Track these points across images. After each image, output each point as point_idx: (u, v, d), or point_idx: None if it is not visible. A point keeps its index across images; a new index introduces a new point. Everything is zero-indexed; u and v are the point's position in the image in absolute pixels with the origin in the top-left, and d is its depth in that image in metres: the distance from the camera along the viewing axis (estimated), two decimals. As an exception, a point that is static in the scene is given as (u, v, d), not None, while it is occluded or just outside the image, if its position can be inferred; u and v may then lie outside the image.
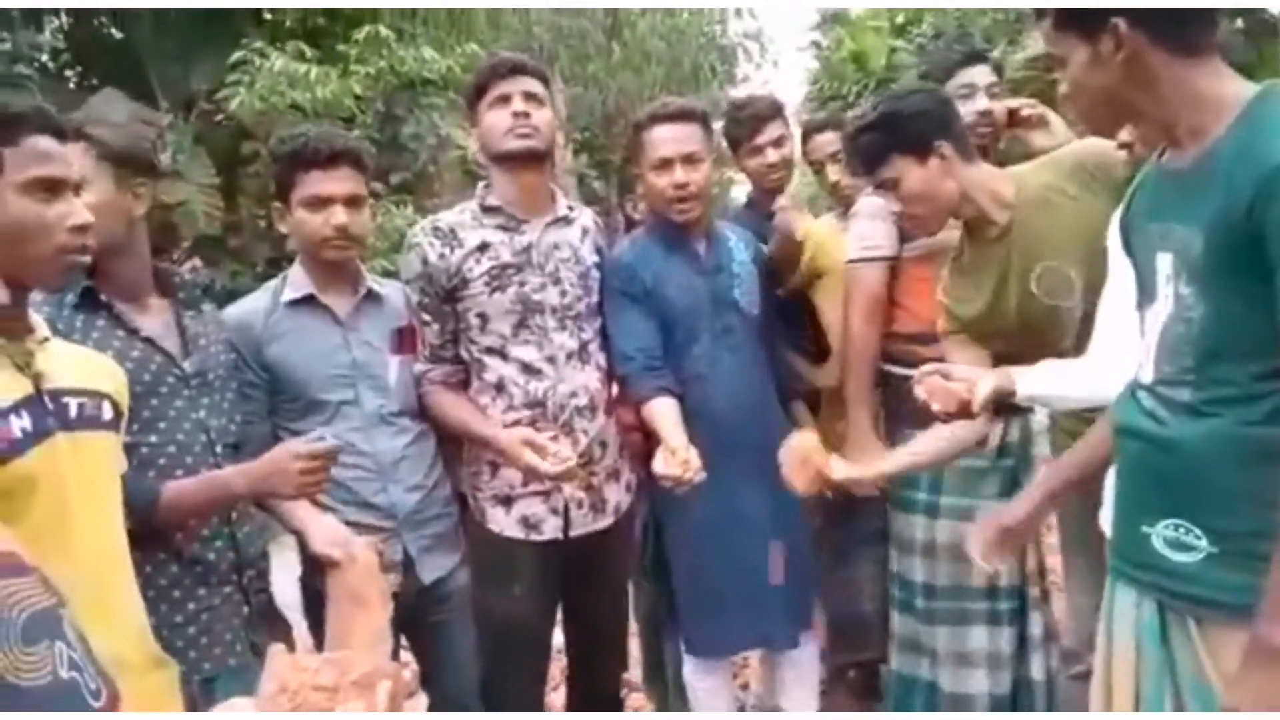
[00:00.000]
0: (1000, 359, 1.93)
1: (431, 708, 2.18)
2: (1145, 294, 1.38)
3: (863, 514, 2.33)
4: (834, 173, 2.59)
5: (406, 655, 2.12)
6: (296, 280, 1.95)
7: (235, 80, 6.47)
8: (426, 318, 2.02)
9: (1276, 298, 1.17)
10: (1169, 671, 1.34)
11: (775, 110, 2.62)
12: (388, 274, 2.73)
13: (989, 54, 2.37)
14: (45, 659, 0.81)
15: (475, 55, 7.08)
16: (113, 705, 0.87)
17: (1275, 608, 1.17)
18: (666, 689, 2.56)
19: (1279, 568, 1.17)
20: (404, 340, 2.02)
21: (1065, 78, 1.34)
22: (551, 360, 2.02)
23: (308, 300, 1.93)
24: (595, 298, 2.12)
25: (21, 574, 0.84)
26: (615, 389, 2.19)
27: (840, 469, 1.94)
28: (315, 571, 1.81)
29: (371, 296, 2.00)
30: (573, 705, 2.34)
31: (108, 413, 1.33)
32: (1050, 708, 2.21)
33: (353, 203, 1.91)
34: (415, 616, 1.99)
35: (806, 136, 2.70)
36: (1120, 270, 1.57)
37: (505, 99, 1.99)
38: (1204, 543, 1.27)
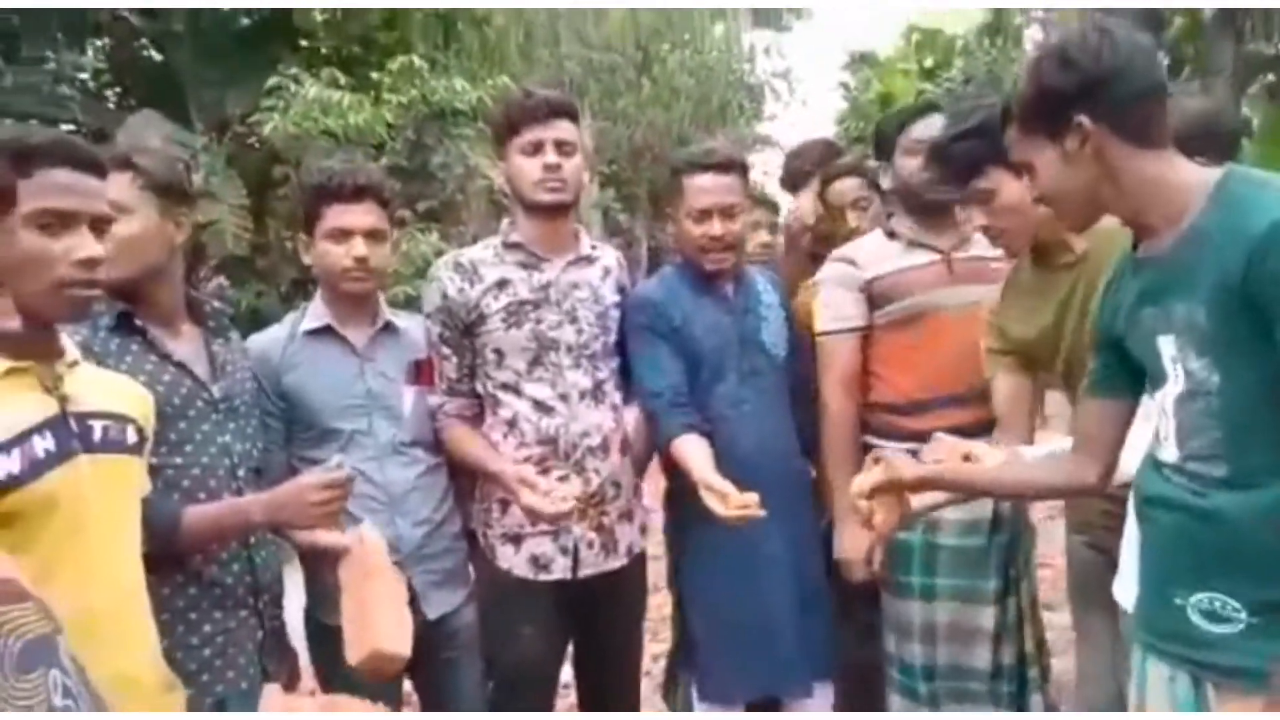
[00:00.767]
0: (1041, 389, 1.91)
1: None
2: (1154, 378, 1.38)
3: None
4: (854, 219, 2.57)
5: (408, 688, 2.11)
6: (316, 311, 1.98)
7: (270, 105, 6.59)
8: (445, 351, 2.03)
9: None
10: None
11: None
12: (410, 300, 2.75)
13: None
14: (39, 687, 0.81)
15: (506, 87, 7.17)
16: None
17: None
18: None
19: None
20: (421, 372, 2.03)
21: (1037, 183, 1.39)
22: (565, 398, 2.02)
23: (325, 331, 1.95)
24: (613, 337, 2.12)
25: (19, 600, 0.84)
26: (632, 427, 2.17)
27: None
28: (323, 597, 1.82)
29: (389, 328, 2.02)
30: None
31: (132, 436, 1.35)
32: None
33: (373, 236, 1.93)
34: (421, 653, 1.97)
35: (828, 181, 2.68)
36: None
37: (538, 147, 1.98)
38: (1243, 614, 1.26)
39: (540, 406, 2.00)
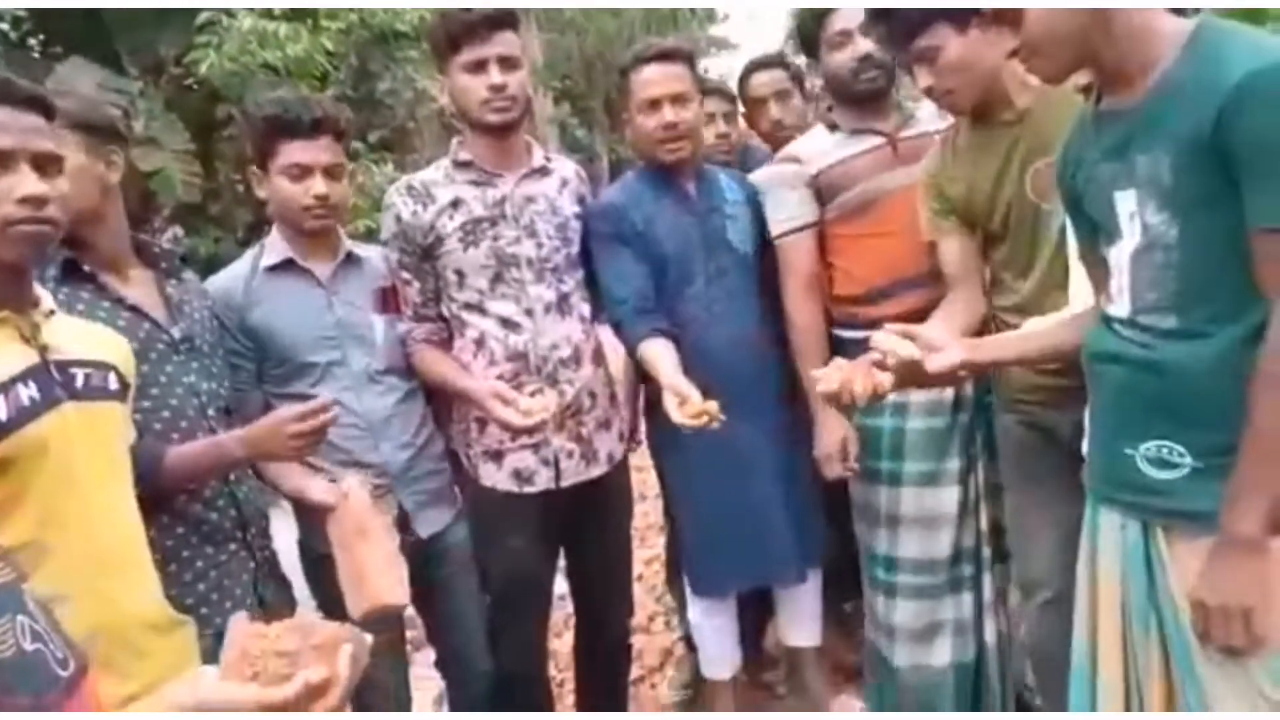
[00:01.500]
0: (986, 249, 1.93)
1: (439, 661, 2.25)
2: (1107, 233, 1.40)
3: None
4: (776, 110, 2.56)
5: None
6: (275, 245, 1.95)
7: (204, 42, 6.33)
8: (406, 276, 2.02)
9: (1246, 209, 1.21)
10: (1152, 592, 1.38)
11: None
12: (370, 233, 2.71)
13: None
14: (8, 632, 0.82)
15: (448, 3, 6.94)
16: (81, 674, 0.88)
17: (1239, 499, 1.23)
18: None
19: (1241, 468, 1.23)
20: (387, 299, 2.02)
21: (1026, 27, 1.33)
22: (530, 313, 2.02)
23: (288, 265, 1.93)
24: (575, 249, 2.11)
25: None
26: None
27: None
28: (315, 528, 1.84)
29: (351, 259, 2.00)
30: (580, 651, 2.39)
31: (114, 383, 1.34)
32: (1004, 668, 2.21)
33: (332, 172, 1.90)
34: (417, 573, 2.02)
35: (746, 76, 2.65)
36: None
37: (481, 65, 1.94)
38: (1188, 459, 1.31)
39: (506, 323, 2.01)
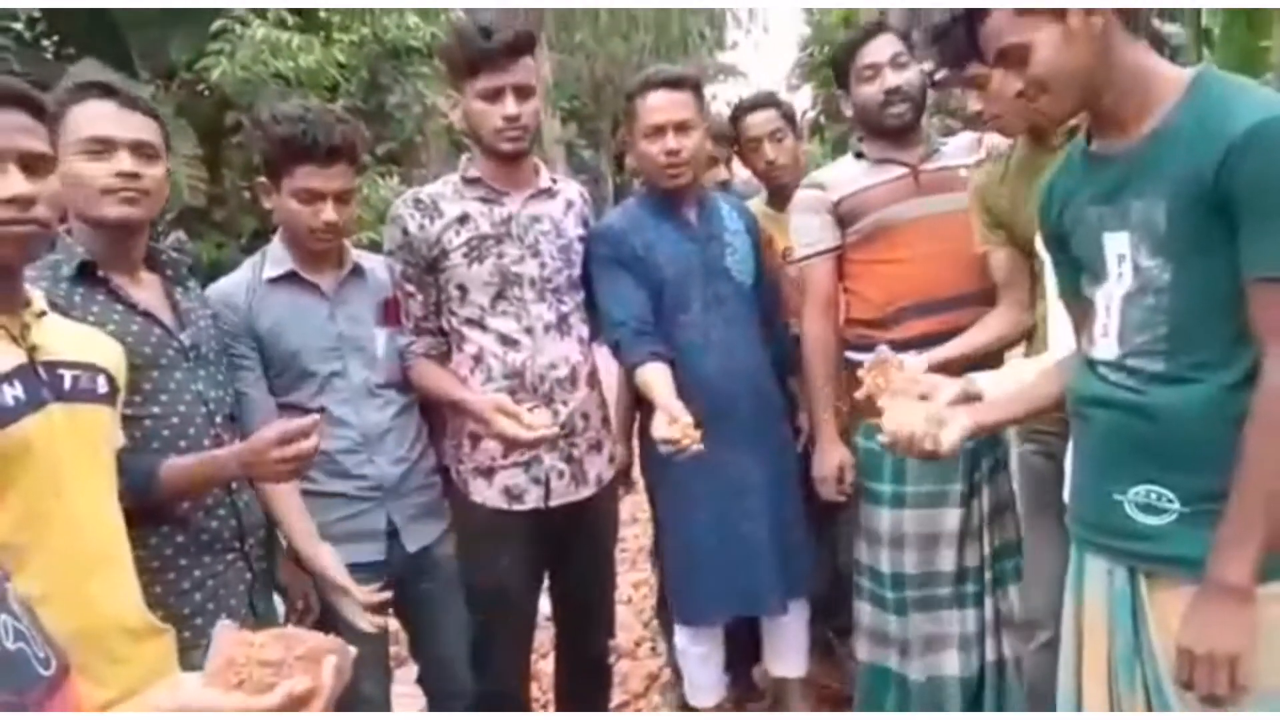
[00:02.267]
0: (1030, 263, 1.95)
1: (421, 678, 2.23)
2: (1092, 274, 1.41)
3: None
4: (770, 151, 2.61)
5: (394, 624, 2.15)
6: (278, 256, 1.95)
7: (216, 50, 6.41)
8: (410, 288, 2.03)
9: (1243, 257, 1.23)
10: (1138, 642, 1.37)
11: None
12: (374, 245, 2.72)
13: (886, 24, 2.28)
14: None
15: (459, 20, 7.00)
16: (63, 675, 0.88)
17: (1229, 546, 1.24)
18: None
19: (1231, 514, 1.24)
20: (389, 312, 2.03)
21: (1034, 64, 1.33)
22: (530, 331, 2.03)
23: (291, 276, 1.94)
24: (577, 270, 2.13)
25: None
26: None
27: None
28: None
29: (356, 271, 2.01)
30: (561, 671, 2.39)
31: (103, 386, 1.34)
32: (1004, 688, 2.22)
33: (343, 198, 1.90)
34: (403, 586, 2.01)
35: (738, 117, 2.69)
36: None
37: (498, 93, 1.95)
38: (1176, 504, 1.31)
39: (506, 340, 2.02)
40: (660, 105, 2.13)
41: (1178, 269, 1.29)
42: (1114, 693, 1.42)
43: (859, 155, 2.29)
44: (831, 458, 2.24)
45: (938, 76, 2.12)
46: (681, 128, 2.12)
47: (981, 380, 1.76)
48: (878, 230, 2.20)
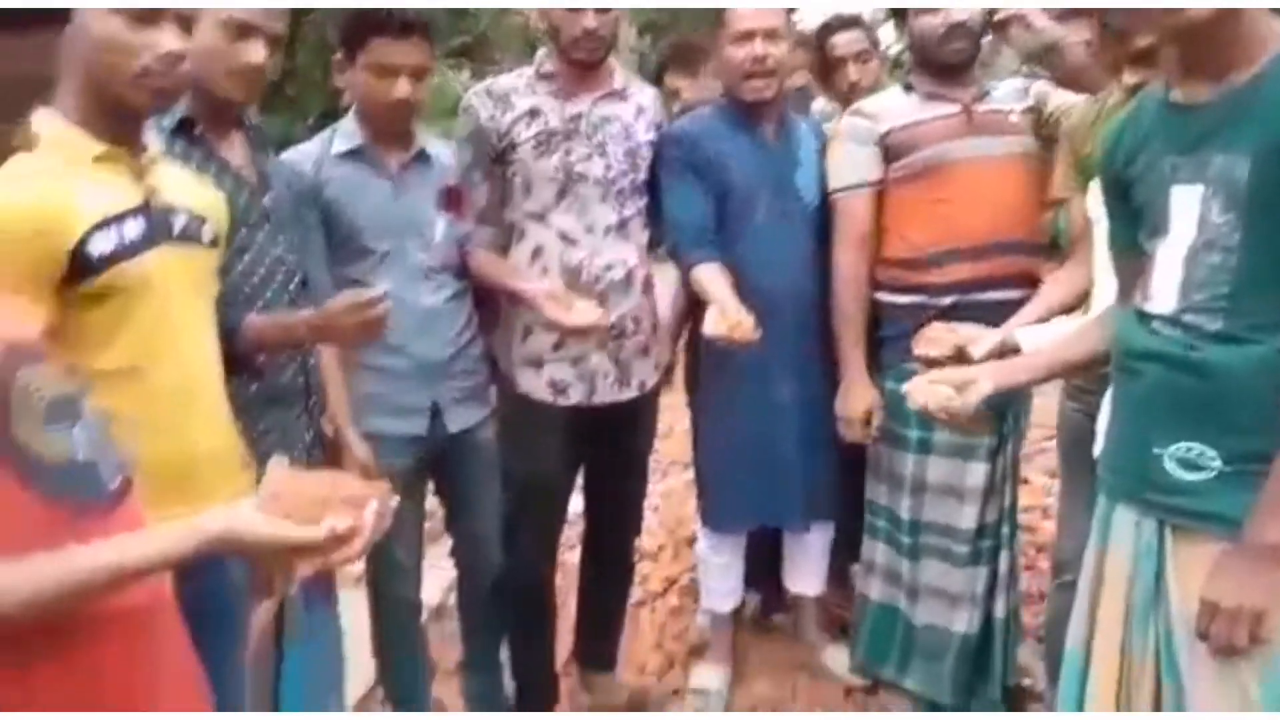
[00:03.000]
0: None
1: (454, 550, 2.34)
2: (1151, 227, 1.39)
3: None
4: (854, 72, 2.54)
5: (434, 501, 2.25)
6: (349, 131, 1.98)
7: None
8: (476, 178, 2.06)
9: None
10: (1158, 593, 1.40)
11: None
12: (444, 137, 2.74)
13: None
14: (66, 439, 0.89)
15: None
16: (127, 488, 0.95)
17: (1269, 507, 1.24)
18: None
19: (1276, 473, 1.24)
20: (451, 199, 2.06)
21: None
22: (590, 230, 2.05)
23: (358, 153, 1.97)
24: (643, 175, 2.13)
25: (40, 361, 0.90)
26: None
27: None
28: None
29: (422, 155, 2.03)
30: (587, 566, 2.47)
31: (208, 234, 1.39)
32: (1009, 644, 2.25)
33: (418, 74, 1.91)
34: (443, 464, 2.10)
35: (826, 35, 2.62)
36: (1105, 224, 1.58)
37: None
38: (1217, 462, 1.31)
39: (565, 238, 2.05)
40: (749, 11, 2.09)
41: (1249, 228, 1.26)
42: (1126, 640, 1.45)
43: (908, 88, 2.20)
44: (857, 399, 2.20)
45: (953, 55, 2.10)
46: (771, 35, 2.09)
47: (1020, 334, 1.76)
48: (928, 167, 2.13)
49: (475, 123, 2.03)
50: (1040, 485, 3.52)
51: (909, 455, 2.21)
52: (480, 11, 7.50)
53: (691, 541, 2.88)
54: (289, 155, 1.98)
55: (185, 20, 1.26)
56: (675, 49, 2.99)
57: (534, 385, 2.11)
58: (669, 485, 3.82)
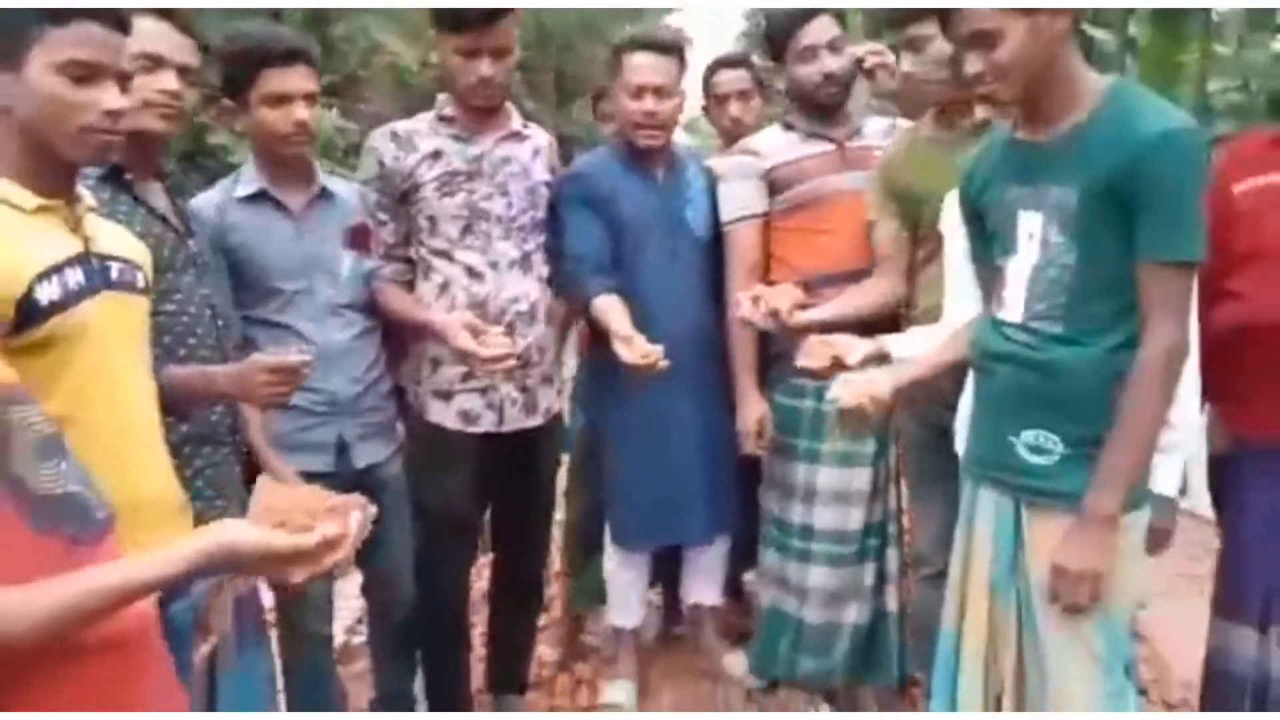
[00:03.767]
0: (916, 241, 2.16)
1: (365, 586, 2.35)
2: (1002, 247, 1.62)
3: None
4: (736, 109, 2.73)
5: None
6: (249, 176, 2.03)
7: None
8: (383, 217, 2.13)
9: (1138, 242, 1.45)
10: (1016, 564, 1.61)
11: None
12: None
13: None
14: (57, 475, 0.94)
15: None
16: (110, 523, 1.00)
17: (1104, 483, 1.47)
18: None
19: (1107, 457, 1.47)
20: (357, 237, 2.12)
21: (999, 51, 1.48)
22: (494, 266, 2.16)
23: (261, 195, 2.01)
24: (541, 213, 2.25)
25: (27, 402, 0.96)
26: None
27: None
28: None
29: (325, 194, 2.09)
30: (497, 593, 2.53)
31: (141, 281, 1.43)
32: (902, 636, 2.45)
33: (310, 99, 1.98)
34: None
35: (713, 72, 2.80)
36: (959, 240, 1.82)
37: (476, 53, 2.05)
38: (1060, 447, 1.54)
39: (471, 272, 2.14)
40: (645, 66, 2.26)
41: (1080, 248, 1.51)
42: (991, 605, 1.66)
43: (788, 126, 2.41)
44: (751, 412, 2.38)
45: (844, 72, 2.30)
46: (660, 91, 2.26)
47: (890, 341, 1.97)
48: (809, 200, 2.34)
49: (380, 165, 2.11)
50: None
51: (799, 464, 2.38)
52: (349, 51, 7.48)
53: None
54: (194, 202, 2.00)
55: (124, 77, 1.31)
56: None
57: (444, 415, 2.18)
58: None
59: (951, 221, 1.89)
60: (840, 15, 2.35)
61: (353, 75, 7.62)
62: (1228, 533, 2.05)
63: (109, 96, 1.27)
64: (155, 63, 1.63)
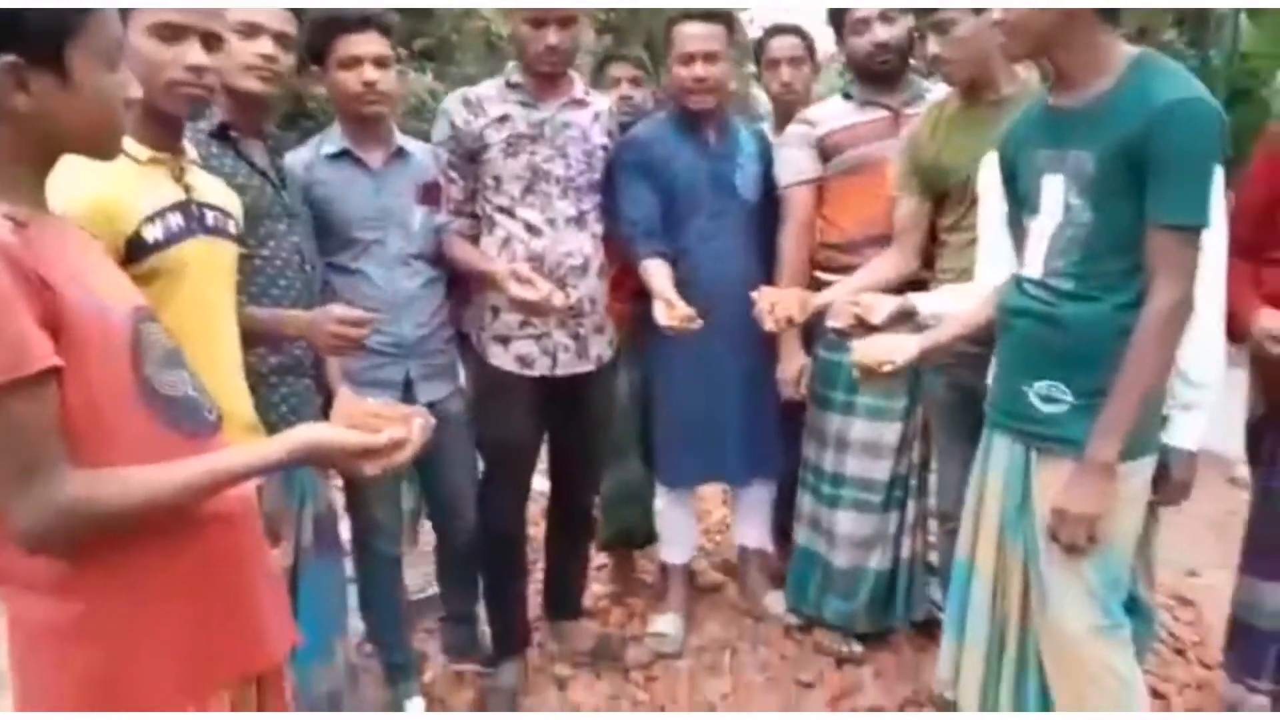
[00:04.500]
0: (938, 214, 2.23)
1: (431, 513, 2.57)
2: (1029, 208, 1.71)
3: None
4: (787, 73, 2.80)
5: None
6: (334, 137, 2.25)
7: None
8: (452, 175, 2.33)
9: (1148, 206, 1.53)
10: (1024, 504, 1.72)
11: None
12: (410, 134, 2.98)
13: None
14: (179, 380, 1.15)
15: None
16: (219, 422, 1.21)
17: (1104, 431, 1.56)
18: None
19: (1110, 407, 1.56)
20: (428, 193, 2.31)
21: (1006, 11, 1.59)
22: (552, 223, 2.33)
23: (344, 154, 2.22)
24: (598, 175, 2.41)
25: (154, 320, 1.16)
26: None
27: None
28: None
29: (400, 153, 2.29)
30: (552, 523, 2.74)
31: (233, 228, 1.64)
32: (912, 582, 2.59)
33: (380, 62, 2.17)
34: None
35: (767, 38, 2.89)
36: (992, 203, 1.89)
37: (541, 23, 2.20)
38: (1069, 397, 1.64)
39: (531, 228, 2.32)
40: (693, 35, 2.40)
41: (1096, 209, 1.59)
42: (1001, 542, 1.77)
43: (847, 95, 2.52)
44: (792, 363, 2.57)
45: (898, 41, 2.38)
46: (710, 57, 2.40)
47: (917, 299, 2.06)
48: (858, 164, 2.45)
49: (452, 126, 2.30)
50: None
51: (835, 415, 2.53)
52: (443, 15, 7.70)
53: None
54: (287, 159, 2.20)
55: (211, 37, 1.51)
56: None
57: (503, 359, 2.38)
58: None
59: (985, 185, 1.97)
60: None
61: (446, 39, 7.84)
62: (1259, 492, 2.10)
63: (192, 53, 1.46)
64: (253, 29, 1.80)
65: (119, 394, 1.05)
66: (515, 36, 2.30)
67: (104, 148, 1.12)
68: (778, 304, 2.16)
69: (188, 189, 1.55)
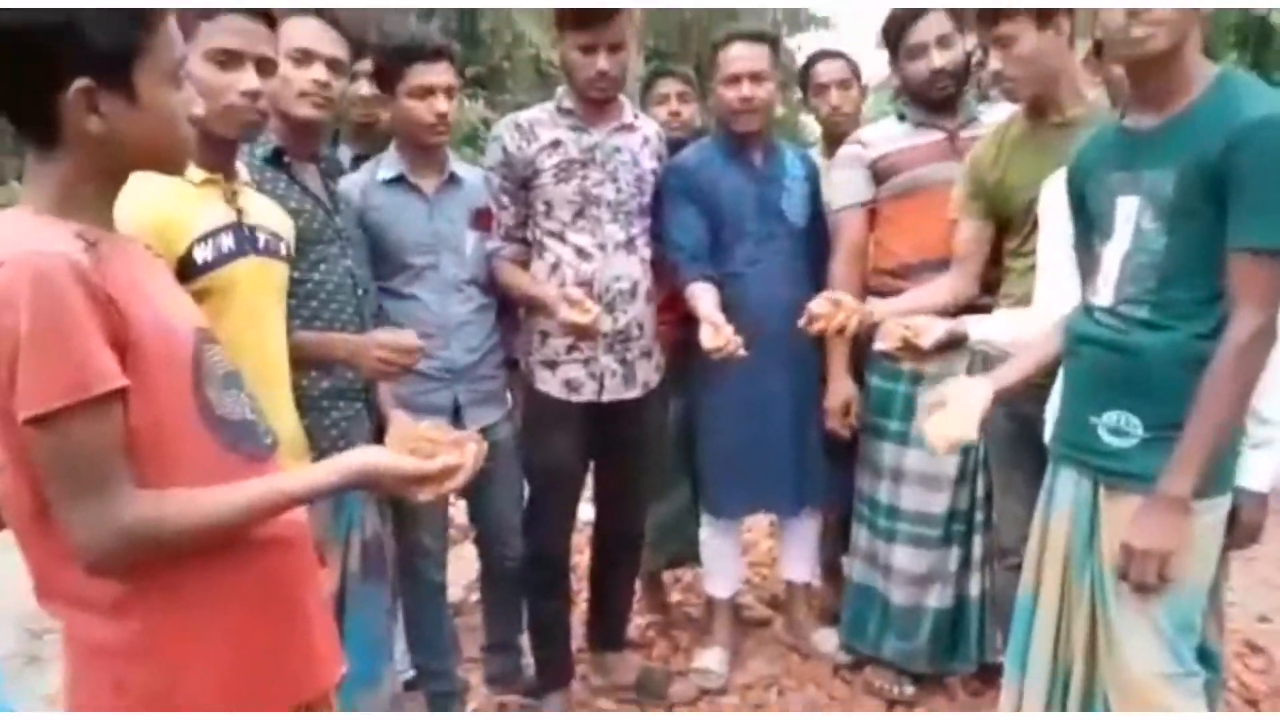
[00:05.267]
0: (1002, 238, 2.18)
1: (478, 538, 2.56)
2: (1101, 232, 1.64)
3: None
4: (835, 97, 2.77)
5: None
6: (390, 161, 2.27)
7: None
8: (504, 200, 2.33)
9: (1230, 230, 1.46)
10: (1092, 541, 1.65)
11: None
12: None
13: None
14: (237, 403, 1.15)
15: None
16: (275, 445, 1.21)
17: (1178, 464, 1.49)
18: None
19: (1185, 441, 1.49)
20: (481, 219, 2.33)
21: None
22: (602, 247, 2.31)
23: (399, 180, 2.24)
24: (647, 198, 2.40)
25: (214, 342, 1.17)
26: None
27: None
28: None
29: (454, 179, 2.30)
30: (597, 551, 2.70)
31: (283, 249, 1.66)
32: (984, 623, 2.48)
33: (449, 93, 2.20)
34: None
35: (813, 63, 2.86)
36: (1054, 226, 1.82)
37: (593, 49, 2.21)
38: (1140, 430, 1.57)
39: (581, 253, 2.31)
40: (739, 56, 2.40)
41: (1172, 234, 1.52)
42: (1066, 580, 1.70)
43: (901, 117, 2.48)
44: (839, 392, 2.50)
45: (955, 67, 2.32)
46: (756, 78, 2.39)
47: (970, 322, 2.00)
48: (913, 187, 2.40)
49: (504, 152, 2.30)
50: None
51: (889, 445, 2.46)
52: (494, 43, 7.84)
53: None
54: (342, 183, 2.23)
55: (264, 62, 1.53)
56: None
57: (550, 384, 2.37)
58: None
59: (1047, 208, 1.92)
60: (956, 11, 2.38)
61: (497, 67, 7.98)
62: None
63: (246, 78, 1.49)
64: (307, 56, 1.85)
65: (181, 415, 1.06)
66: (565, 63, 2.31)
67: (173, 163, 1.14)
68: (828, 315, 2.07)
69: (240, 211, 1.58)
